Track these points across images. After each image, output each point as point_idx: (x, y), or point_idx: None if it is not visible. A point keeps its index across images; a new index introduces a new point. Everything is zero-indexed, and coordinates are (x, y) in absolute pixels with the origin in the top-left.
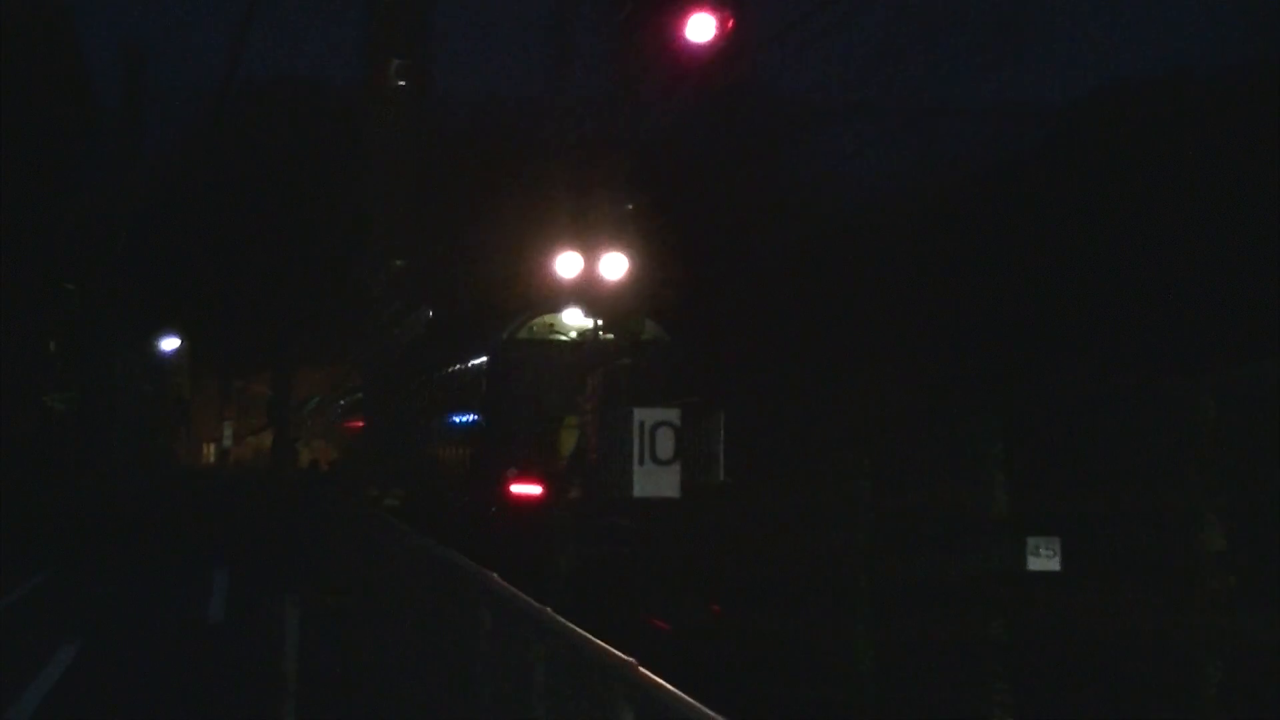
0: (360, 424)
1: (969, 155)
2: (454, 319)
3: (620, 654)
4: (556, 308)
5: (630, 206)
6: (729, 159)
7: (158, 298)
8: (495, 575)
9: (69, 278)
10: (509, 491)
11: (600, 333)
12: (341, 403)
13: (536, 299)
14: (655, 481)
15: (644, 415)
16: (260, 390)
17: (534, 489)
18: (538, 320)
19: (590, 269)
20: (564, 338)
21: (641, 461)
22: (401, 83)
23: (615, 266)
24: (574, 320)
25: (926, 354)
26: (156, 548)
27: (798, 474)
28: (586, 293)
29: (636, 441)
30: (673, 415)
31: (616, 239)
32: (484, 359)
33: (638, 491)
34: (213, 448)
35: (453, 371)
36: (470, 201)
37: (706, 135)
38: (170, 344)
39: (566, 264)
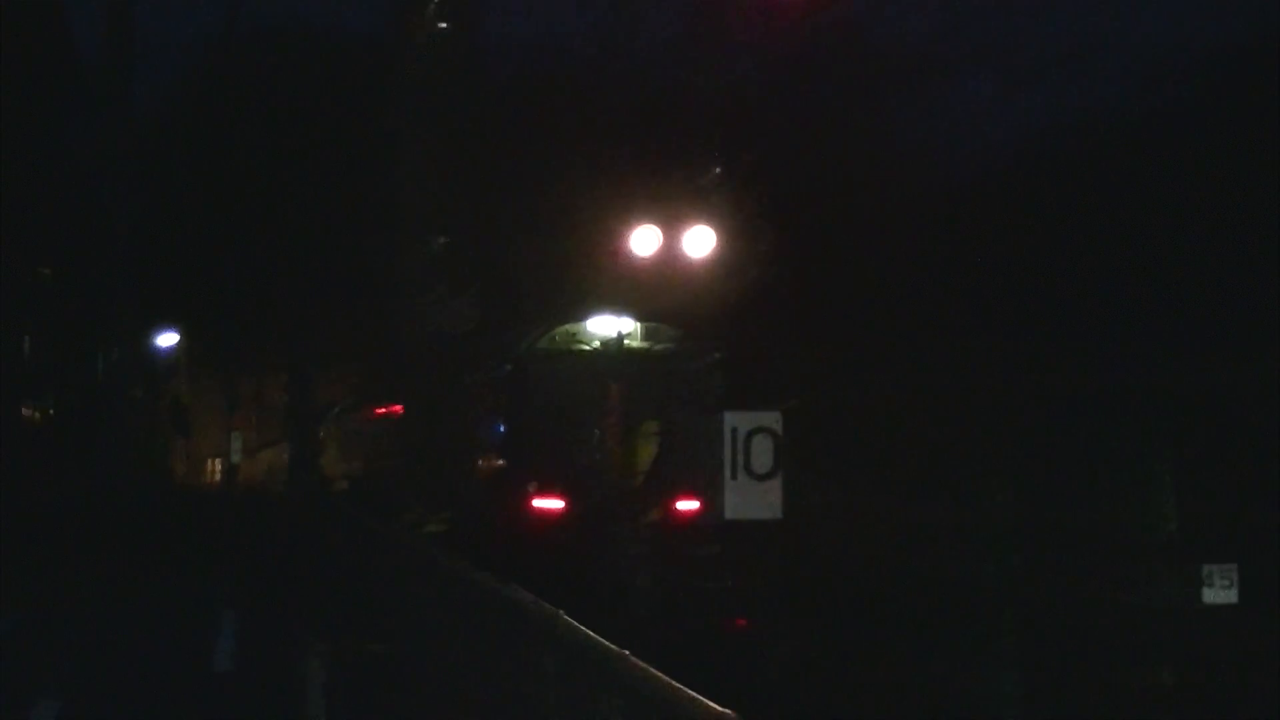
0: (379, 429)
1: (1116, 109)
2: (510, 306)
3: (717, 706)
4: (579, 316)
5: (718, 170)
6: (828, 118)
7: (152, 285)
8: (562, 614)
9: (45, 261)
10: (530, 506)
11: (624, 341)
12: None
13: (602, 281)
14: (751, 500)
15: (737, 420)
16: (274, 396)
17: (556, 503)
18: (560, 330)
19: (671, 245)
20: (587, 348)
21: (734, 475)
22: (442, 25)
23: (700, 242)
24: (598, 329)
25: (1072, 345)
26: (154, 582)
27: (923, 488)
28: (666, 272)
29: (728, 452)
30: (772, 420)
31: (701, 210)
32: (507, 369)
33: (730, 512)
34: (218, 464)
35: (488, 379)
36: (525, 167)
37: (802, 91)
38: (167, 341)
39: (643, 240)
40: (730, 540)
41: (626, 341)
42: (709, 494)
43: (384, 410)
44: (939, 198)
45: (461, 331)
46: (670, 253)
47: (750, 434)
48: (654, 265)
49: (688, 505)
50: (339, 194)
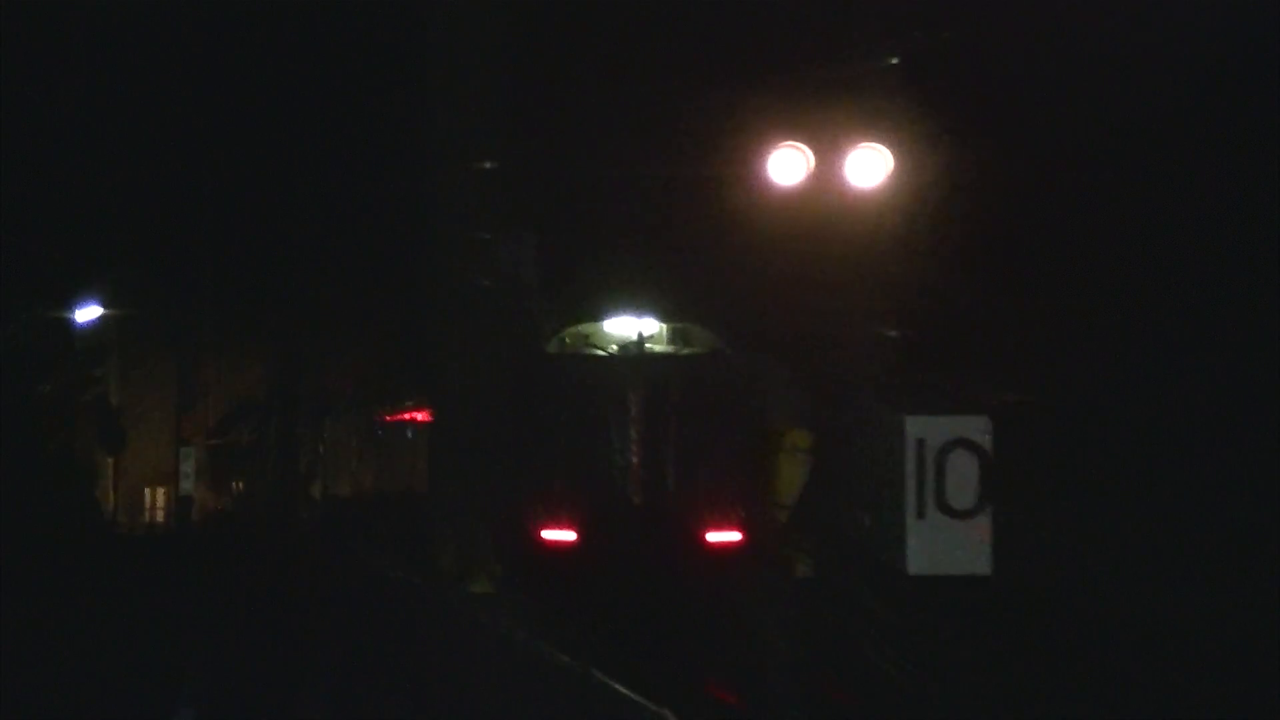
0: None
1: None
2: (585, 260)
3: None
4: (596, 314)
5: (893, 61)
6: None
7: (65, 226)
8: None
9: None
10: (540, 539)
11: (645, 344)
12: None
13: (721, 221)
14: (946, 547)
15: (925, 429)
16: (242, 388)
17: (568, 535)
18: (570, 331)
19: (825, 171)
20: (602, 352)
21: (922, 512)
22: None
23: (868, 167)
24: (617, 330)
25: None
26: (76, 670)
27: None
28: (817, 208)
29: (911, 476)
30: (977, 428)
31: (869, 122)
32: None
33: (915, 565)
34: (160, 494)
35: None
36: (606, 56)
37: None
38: (87, 315)
39: (785, 164)
40: (913, 605)
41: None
42: (876, 537)
43: (408, 415)
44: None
45: (510, 287)
46: (824, 181)
47: (945, 449)
48: (800, 198)
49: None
50: (347, 102)
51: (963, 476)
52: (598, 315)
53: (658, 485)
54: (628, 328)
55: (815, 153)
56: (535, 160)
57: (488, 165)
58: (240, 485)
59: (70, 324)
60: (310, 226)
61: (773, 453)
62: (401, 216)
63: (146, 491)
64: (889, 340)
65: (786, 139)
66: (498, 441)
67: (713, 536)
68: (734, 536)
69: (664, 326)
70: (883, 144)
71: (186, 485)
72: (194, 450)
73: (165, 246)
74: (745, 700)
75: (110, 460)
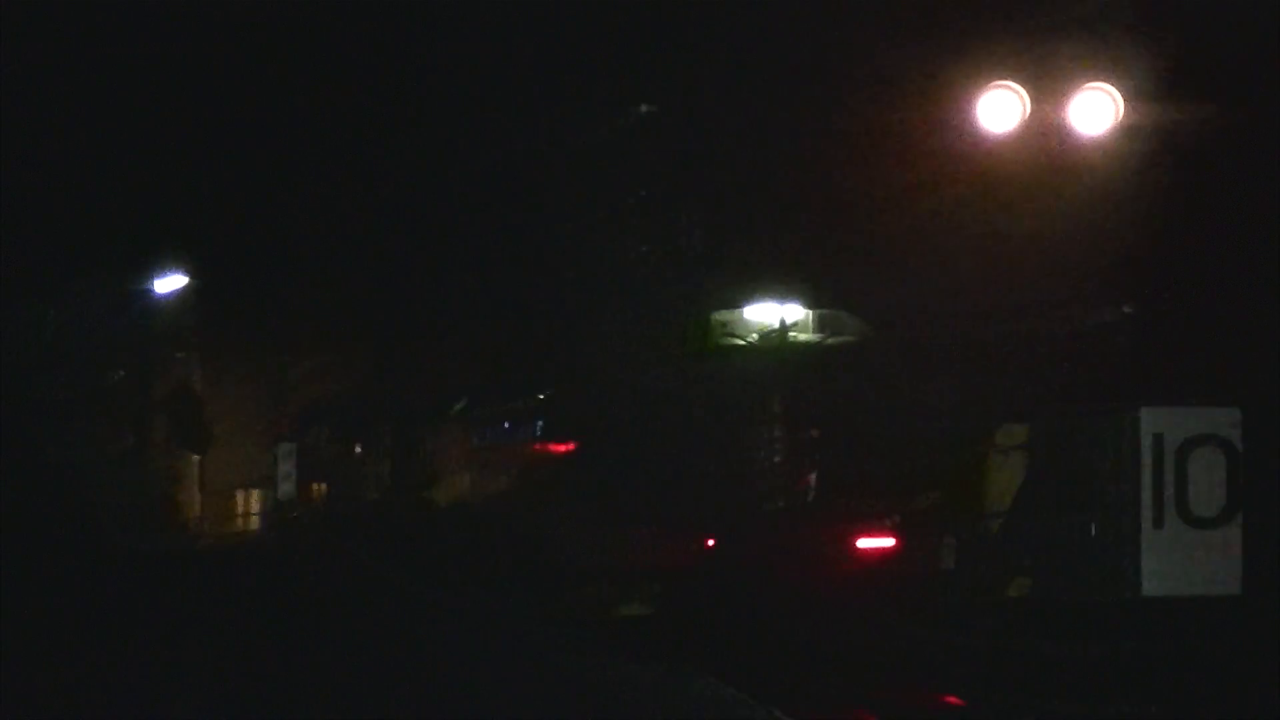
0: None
1: None
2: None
3: None
4: (734, 301)
5: None
6: None
7: (139, 183)
8: None
9: None
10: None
11: (788, 333)
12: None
13: (920, 172)
14: (1189, 561)
15: (1163, 422)
16: (318, 387)
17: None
18: (713, 319)
19: (1043, 116)
20: (741, 342)
21: (1159, 521)
22: None
23: (1094, 111)
24: (757, 317)
25: None
26: None
27: None
28: (1034, 160)
29: (1148, 478)
30: (1226, 421)
31: (1096, 60)
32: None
33: (1152, 585)
34: (256, 498)
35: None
36: None
37: None
38: (169, 285)
39: (996, 109)
40: (1149, 633)
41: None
42: (1103, 552)
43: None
44: None
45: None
46: (1041, 128)
47: (1187, 446)
48: (1012, 148)
49: None
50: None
51: (1208, 479)
52: (738, 300)
53: (800, 486)
54: (769, 314)
55: (1032, 95)
56: (702, 106)
57: (642, 109)
58: (323, 489)
59: (148, 297)
60: (435, 180)
61: (979, 452)
62: (538, 176)
63: (238, 495)
64: (1119, 318)
65: (999, 79)
66: (662, 443)
67: (863, 543)
68: (886, 543)
69: (809, 313)
70: (1112, 86)
71: (288, 487)
72: (295, 448)
73: (261, 210)
74: None
75: (195, 460)
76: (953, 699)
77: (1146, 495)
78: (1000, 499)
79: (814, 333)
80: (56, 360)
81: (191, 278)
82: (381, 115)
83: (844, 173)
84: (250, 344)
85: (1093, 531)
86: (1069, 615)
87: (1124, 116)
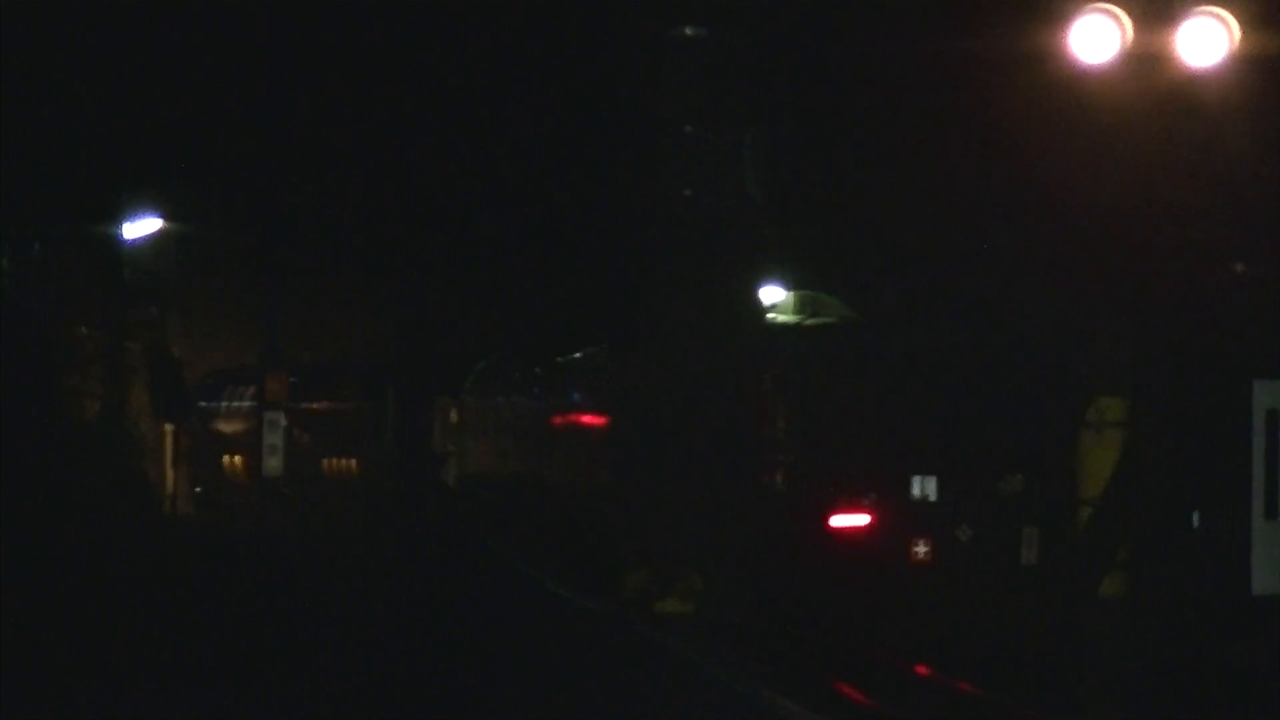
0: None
1: None
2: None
3: None
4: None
5: None
6: None
7: (113, 124)
8: None
9: None
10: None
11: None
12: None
13: (1017, 100)
14: None
15: (1278, 396)
16: (325, 345)
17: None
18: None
19: (1145, 46)
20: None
21: (1273, 511)
22: None
23: (1205, 41)
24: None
25: None
26: None
27: None
28: (1133, 96)
29: (1260, 461)
30: None
31: None
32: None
33: (1263, 583)
34: (239, 463)
35: None
36: None
37: None
38: (139, 231)
39: (1092, 36)
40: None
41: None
42: (1208, 544)
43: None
44: None
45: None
46: (1143, 58)
47: None
48: (1110, 81)
49: None
50: None
51: None
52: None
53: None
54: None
55: (1134, 20)
56: (764, 33)
57: (686, 32)
58: (332, 464)
59: (117, 244)
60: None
61: (1068, 430)
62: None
63: (224, 460)
64: (1231, 277)
65: (1095, 2)
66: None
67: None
68: (860, 520)
69: (790, 294)
70: (1226, 10)
71: (274, 462)
72: (282, 417)
73: (249, 149)
74: None
75: (169, 429)
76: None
77: (1258, 481)
78: (1091, 484)
79: (794, 314)
80: (14, 315)
81: (168, 220)
82: (406, 42)
83: (920, 111)
84: (235, 297)
85: (1195, 522)
86: (1168, 616)
87: (1238, 45)
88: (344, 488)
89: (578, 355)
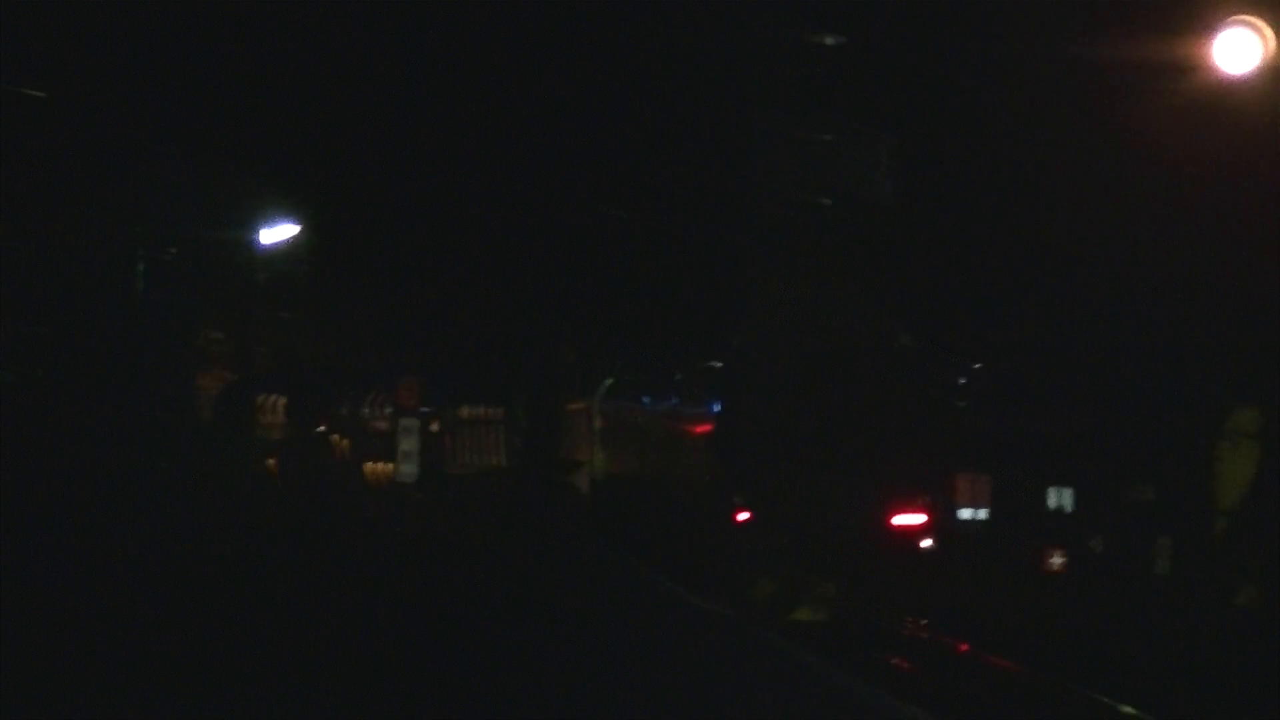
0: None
1: None
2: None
3: None
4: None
5: None
6: None
7: (241, 134)
8: None
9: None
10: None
11: None
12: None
13: (1158, 111)
14: None
15: None
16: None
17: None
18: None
19: None
20: None
21: None
22: None
23: None
24: None
25: None
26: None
27: None
28: (1275, 104)
29: None
30: None
31: None
32: None
33: None
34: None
35: None
36: None
37: None
38: (276, 235)
39: (1235, 48)
40: None
41: None
42: None
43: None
44: None
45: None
46: None
47: None
48: (1252, 92)
49: None
50: None
51: None
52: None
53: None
54: None
55: (1276, 33)
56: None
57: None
58: (465, 469)
59: (251, 249)
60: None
61: (1204, 441)
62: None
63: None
64: None
65: (1239, 13)
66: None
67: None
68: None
69: None
70: None
71: (408, 468)
72: (417, 423)
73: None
74: None
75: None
76: None
77: None
78: (1227, 495)
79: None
80: (148, 316)
81: (303, 227)
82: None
83: (1062, 121)
84: (370, 305)
85: None
86: None
87: None
88: (479, 494)
89: (717, 364)
